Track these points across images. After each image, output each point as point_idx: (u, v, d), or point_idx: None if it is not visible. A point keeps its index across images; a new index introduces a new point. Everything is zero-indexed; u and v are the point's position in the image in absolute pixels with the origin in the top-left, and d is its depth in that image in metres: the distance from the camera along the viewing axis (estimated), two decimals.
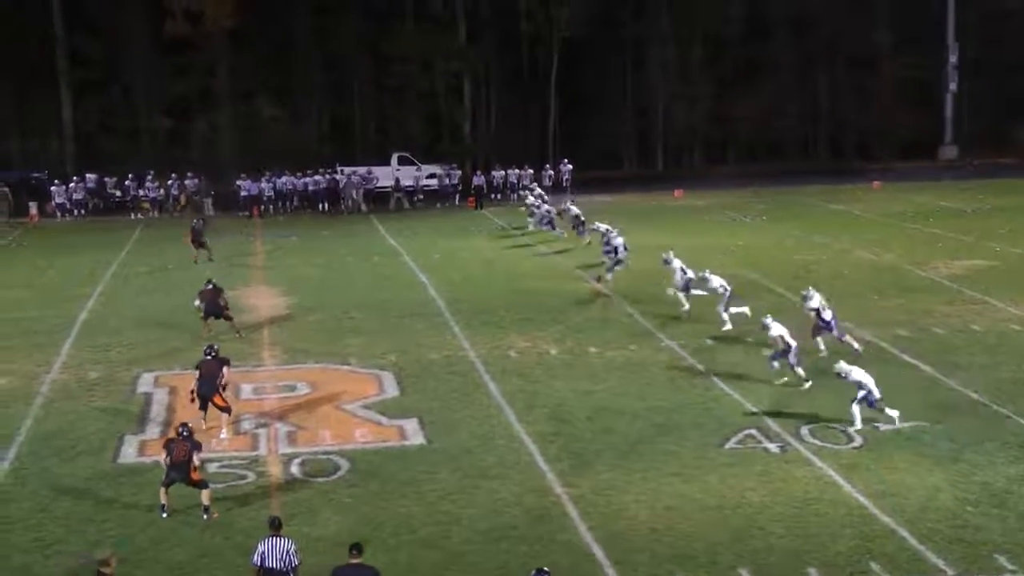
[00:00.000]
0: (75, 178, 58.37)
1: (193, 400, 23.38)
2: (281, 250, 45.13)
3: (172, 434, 20.46)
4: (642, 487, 19.90)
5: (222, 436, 22.98)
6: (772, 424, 22.84)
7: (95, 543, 17.85)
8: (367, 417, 24.13)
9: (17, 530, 18.79)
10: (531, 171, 60.86)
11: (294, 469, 21.22)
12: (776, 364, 25.49)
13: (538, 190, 52.31)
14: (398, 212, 56.44)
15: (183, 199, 57.14)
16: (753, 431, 22.49)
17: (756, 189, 60.30)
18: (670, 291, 32.00)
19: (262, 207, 56.44)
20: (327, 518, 18.98)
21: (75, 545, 18.10)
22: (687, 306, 31.50)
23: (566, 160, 62.86)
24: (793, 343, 25.36)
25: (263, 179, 57.99)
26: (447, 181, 59.90)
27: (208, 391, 23.19)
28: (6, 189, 56.68)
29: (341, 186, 58.32)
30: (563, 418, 23.60)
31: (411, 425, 23.49)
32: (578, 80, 70.34)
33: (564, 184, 60.63)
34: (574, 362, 27.72)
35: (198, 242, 41.91)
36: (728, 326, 29.98)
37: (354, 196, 57.48)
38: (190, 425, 19.84)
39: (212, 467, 21.11)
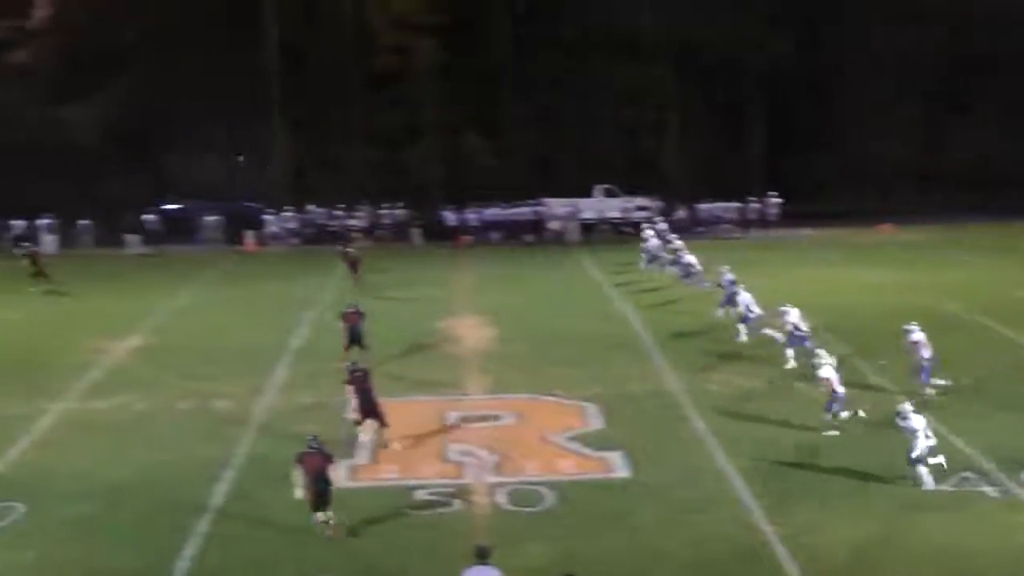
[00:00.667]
0: (288, 208, 60.19)
1: (360, 422, 24.20)
2: (486, 280, 45.64)
3: (374, 457, 20.83)
4: (852, 528, 19.52)
5: (395, 446, 24.03)
6: (990, 466, 22.16)
7: (303, 567, 18.31)
8: (572, 448, 24.21)
9: (233, 551, 19.39)
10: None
11: (500, 498, 21.41)
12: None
13: (660, 226, 51.30)
14: (599, 243, 56.56)
15: (389, 230, 58.57)
16: (969, 474, 21.86)
17: (968, 223, 58.68)
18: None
19: (467, 237, 57.34)
20: (532, 549, 19.09)
21: (286, 570, 18.59)
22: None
23: (772, 194, 62.10)
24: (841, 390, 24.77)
25: (469, 210, 59.04)
26: (647, 214, 59.89)
27: (368, 406, 24.01)
28: (222, 218, 58.74)
29: (546, 217, 58.90)
30: (769, 454, 23.31)
31: (616, 457, 23.49)
32: (784, 112, 69.51)
33: (770, 219, 59.91)
34: (780, 396, 27.37)
35: (354, 268, 42.84)
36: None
37: (559, 227, 57.92)
38: (319, 436, 20.41)
39: (420, 494, 21.48)
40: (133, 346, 34.30)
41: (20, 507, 21.36)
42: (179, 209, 60.77)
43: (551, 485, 21.96)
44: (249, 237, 57.47)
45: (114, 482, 22.52)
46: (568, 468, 23.06)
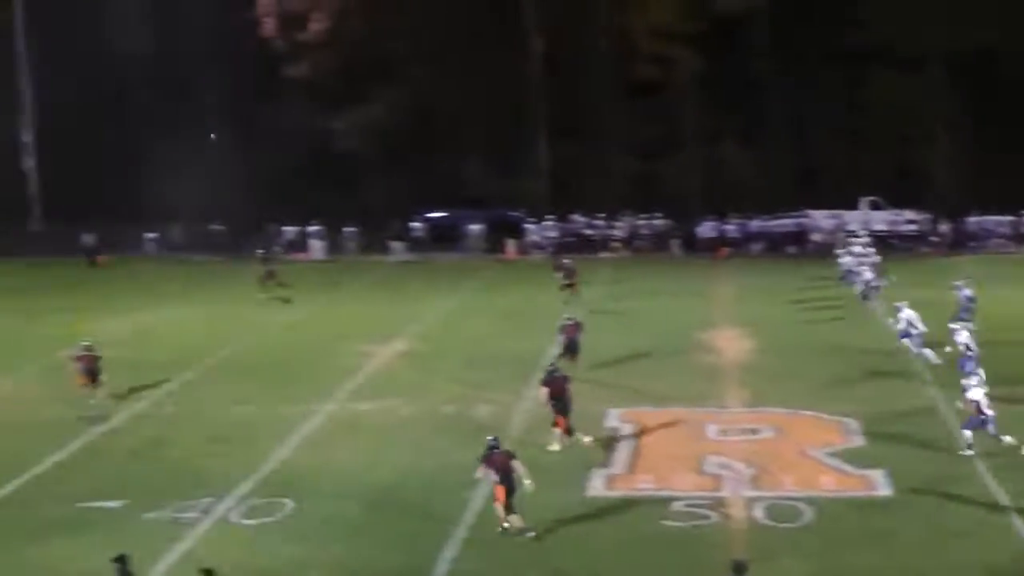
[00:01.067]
0: (549, 216, 60.85)
1: (557, 427, 24.77)
2: (746, 291, 45.15)
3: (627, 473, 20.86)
4: None
5: (586, 439, 24.88)
6: None
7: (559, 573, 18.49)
8: (832, 465, 23.76)
9: (490, 556, 19.70)
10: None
11: (757, 513, 21.17)
12: None
13: (860, 240, 49.18)
14: None
15: (648, 240, 58.61)
16: None
17: None
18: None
19: (727, 248, 56.89)
20: (788, 565, 18.83)
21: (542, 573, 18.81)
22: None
23: None
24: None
25: (729, 221, 58.59)
26: (913, 227, 58.23)
27: (563, 410, 24.58)
28: (484, 226, 59.77)
29: (809, 229, 57.99)
30: None
31: (878, 476, 22.93)
32: None
33: None
34: None
35: (570, 279, 42.58)
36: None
37: (822, 239, 56.88)
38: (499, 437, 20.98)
39: (676, 505, 21.42)
40: (398, 351, 35.23)
41: (289, 503, 22.21)
42: (443, 217, 62.10)
43: (810, 501, 21.60)
44: (510, 246, 58.31)
45: (378, 483, 23.15)
46: (828, 484, 22.63)
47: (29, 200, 68.85)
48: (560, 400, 24.88)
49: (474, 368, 32.49)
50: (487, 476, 20.57)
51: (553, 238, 59.57)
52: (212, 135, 70.03)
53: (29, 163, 68.67)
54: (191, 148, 67.41)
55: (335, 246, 59.07)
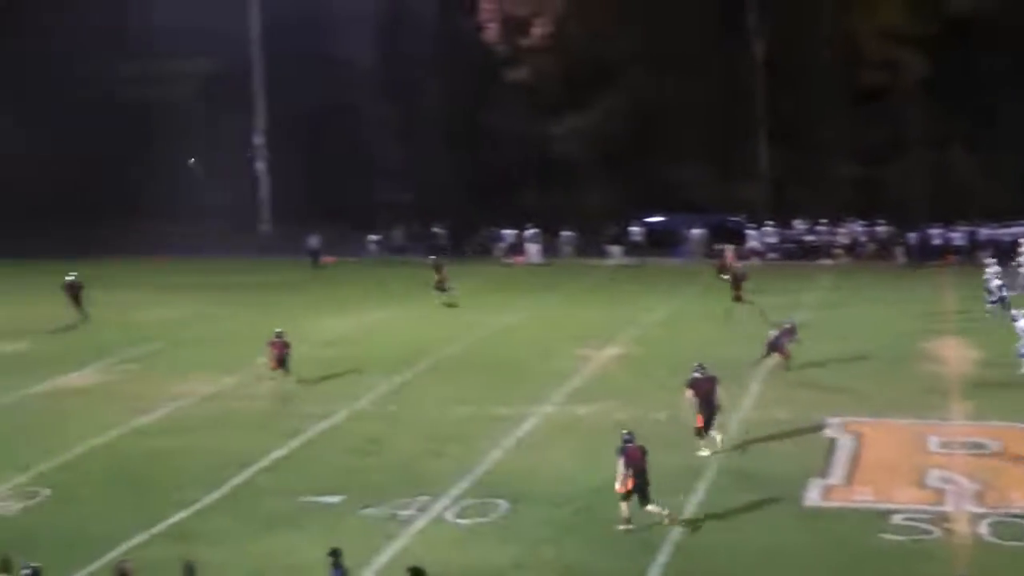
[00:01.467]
0: (769, 222, 60.00)
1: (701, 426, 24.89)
2: (969, 301, 43.62)
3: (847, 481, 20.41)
4: None
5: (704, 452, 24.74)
6: None
7: None
8: None
9: (702, 562, 19.48)
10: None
11: (982, 529, 20.42)
12: None
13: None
14: None
15: (871, 247, 57.22)
16: None
17: None
18: None
19: (954, 256, 55.12)
20: None
21: None
22: None
23: None
24: None
25: (956, 228, 56.76)
26: None
27: (708, 412, 24.71)
28: (704, 232, 59.25)
29: None
30: None
31: None
32: None
33: None
34: None
35: (737, 283, 41.69)
36: None
37: None
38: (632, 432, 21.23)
39: (896, 519, 20.84)
40: (614, 354, 35.16)
41: (503, 504, 22.35)
42: (662, 222, 61.81)
43: None
44: (728, 251, 57.60)
45: (591, 486, 23.11)
46: None
47: (259, 203, 71.14)
48: (706, 403, 24.90)
49: (688, 372, 32.06)
50: (621, 468, 20.76)
51: (773, 244, 58.68)
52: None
53: (260, 167, 70.93)
54: (413, 152, 68.76)
55: (552, 249, 59.34)
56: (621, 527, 20.72)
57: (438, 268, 45.59)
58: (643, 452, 20.90)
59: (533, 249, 58.97)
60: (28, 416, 29.93)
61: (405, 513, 22.01)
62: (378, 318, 42.48)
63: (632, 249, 58.81)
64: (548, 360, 34.55)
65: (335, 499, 22.88)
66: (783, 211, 61.56)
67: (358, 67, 69.77)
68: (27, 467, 25.24)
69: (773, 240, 58.95)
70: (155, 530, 21.46)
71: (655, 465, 23.95)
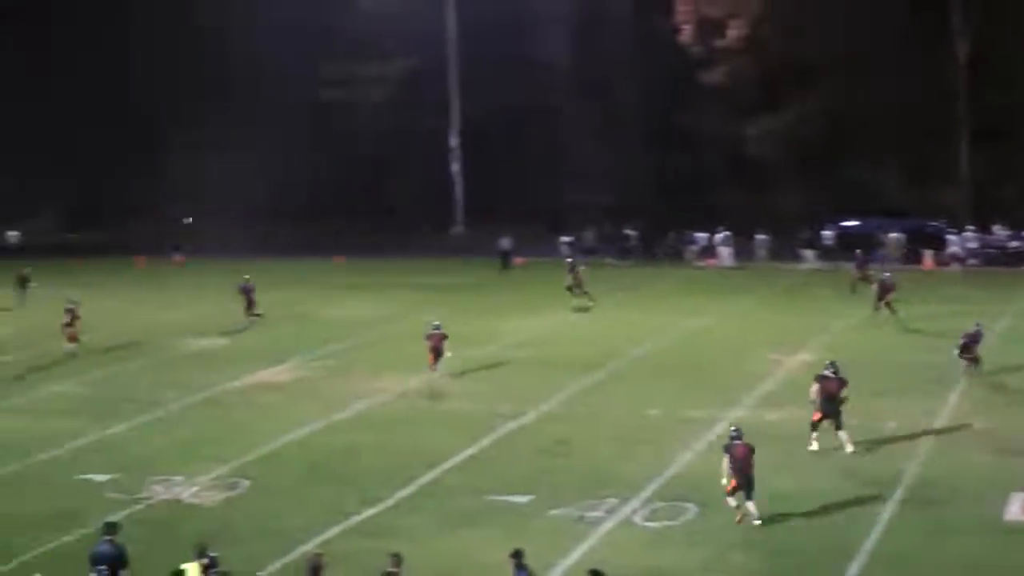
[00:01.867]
0: (969, 228, 58.25)
1: (816, 425, 25.29)
2: None
3: None
4: None
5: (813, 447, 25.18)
6: None
7: None
8: None
9: (899, 570, 18.98)
10: None
11: None
12: None
13: None
14: None
15: None
16: None
17: None
18: None
19: None
20: None
21: None
22: None
23: None
24: None
25: None
26: None
27: (831, 409, 25.02)
28: (902, 236, 57.82)
29: None
30: None
31: None
32: None
33: None
34: None
35: (883, 293, 40.19)
36: None
37: None
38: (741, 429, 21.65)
39: None
40: (804, 360, 34.56)
41: (692, 508, 22.17)
42: (857, 225, 60.52)
43: None
44: (927, 256, 56.18)
45: (781, 492, 22.76)
46: None
47: (454, 203, 71.99)
48: (831, 401, 25.14)
49: (880, 380, 31.41)
50: (727, 464, 21.23)
51: (973, 250, 56.93)
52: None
53: (455, 167, 71.76)
54: (607, 154, 68.74)
55: (744, 252, 58.63)
56: (737, 520, 21.07)
57: (573, 270, 45.40)
58: (750, 450, 21.19)
59: (725, 252, 58.36)
60: (228, 410, 30.81)
61: (593, 515, 22.02)
62: (569, 319, 42.56)
63: (825, 253, 57.70)
64: (739, 364, 34.18)
65: (523, 499, 22.99)
66: (984, 215, 59.68)
67: (554, 67, 70.09)
68: (227, 459, 25.97)
69: (974, 246, 57.15)
70: (347, 524, 21.88)
71: (847, 472, 23.56)
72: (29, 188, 71.05)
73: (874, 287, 41.74)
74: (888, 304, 40.18)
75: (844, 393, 25.26)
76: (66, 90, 70.73)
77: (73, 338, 37.33)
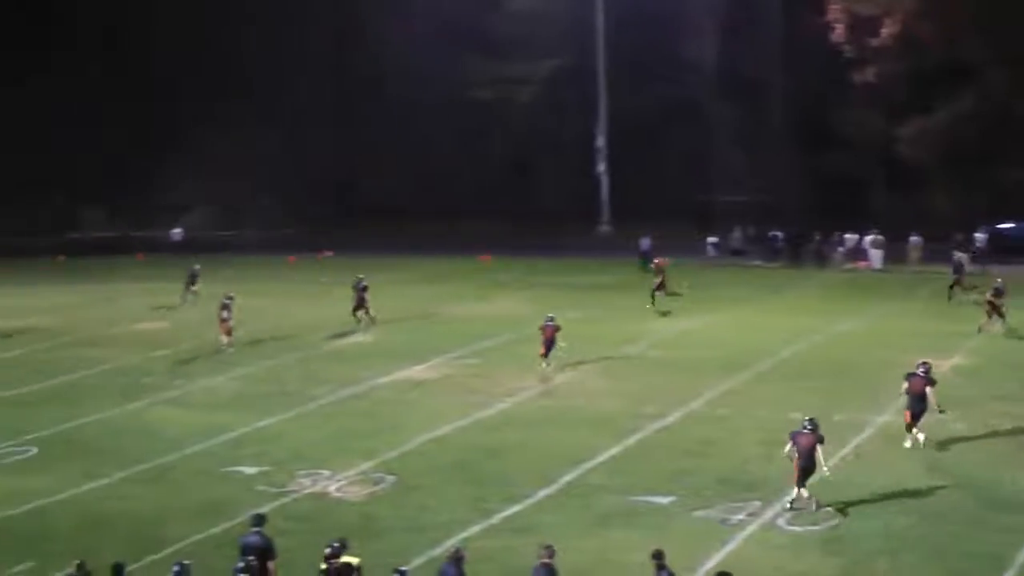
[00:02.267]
0: None
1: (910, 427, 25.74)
2: None
3: None
4: None
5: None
6: None
7: None
8: None
9: None
10: None
11: None
12: None
13: None
14: None
15: None
16: None
17: None
18: None
19: None
20: None
21: None
22: None
23: None
24: None
25: None
26: None
27: (917, 409, 25.54)
28: None
29: None
30: None
31: None
32: None
33: None
34: None
35: (994, 306, 38.55)
36: None
37: None
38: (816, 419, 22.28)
39: None
40: (954, 364, 33.83)
41: (835, 513, 21.87)
42: (1012, 228, 58.95)
43: None
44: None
45: (927, 498, 22.44)
46: None
47: (600, 202, 71.90)
48: (916, 399, 25.62)
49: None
50: (792, 452, 22.13)
51: None
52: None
53: (601, 167, 71.69)
54: (755, 154, 68.08)
55: (895, 254, 57.43)
56: (789, 506, 22.07)
57: (659, 271, 44.85)
58: (817, 440, 21.96)
59: (875, 254, 57.22)
60: (375, 406, 31.23)
61: (735, 518, 21.89)
62: (713, 320, 42.23)
63: (977, 256, 56.22)
64: (886, 369, 33.48)
65: (666, 500, 22.96)
66: None
67: (701, 66, 69.69)
68: (373, 454, 26.34)
69: None
70: (489, 522, 22.04)
71: (995, 478, 23.11)
72: (182, 186, 72.83)
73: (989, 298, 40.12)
74: (996, 309, 38.85)
75: (930, 392, 25.65)
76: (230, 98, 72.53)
77: (228, 332, 38.19)
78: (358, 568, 16.75)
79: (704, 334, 39.94)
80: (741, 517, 21.90)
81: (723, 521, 21.76)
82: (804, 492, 22.02)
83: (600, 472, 24.98)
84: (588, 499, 23.21)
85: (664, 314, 43.08)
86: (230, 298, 38.83)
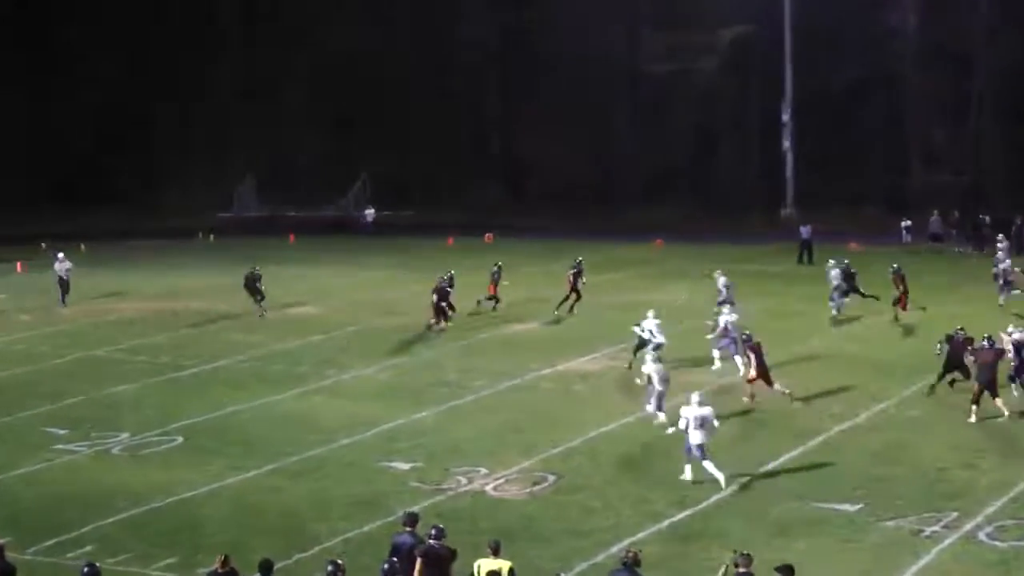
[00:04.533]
0: None
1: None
2: None
3: None
4: None
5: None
6: None
7: None
8: None
9: None
10: None
11: None
12: None
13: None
14: None
15: None
16: None
17: None
18: None
19: None
20: None
21: None
22: None
23: None
24: None
25: None
26: None
27: (983, 378, 27.00)
28: None
29: None
30: None
31: None
32: None
33: None
34: None
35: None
36: None
37: None
38: None
39: None
40: None
41: None
42: None
43: None
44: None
45: None
46: None
47: (784, 183, 70.79)
48: (985, 370, 27.29)
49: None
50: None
51: None
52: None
53: (786, 144, 70.59)
54: (959, 131, 66.54)
55: None
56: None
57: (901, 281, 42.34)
58: (998, 355, 25.84)
59: None
60: (537, 399, 31.26)
61: (931, 529, 21.36)
62: (908, 314, 41.12)
63: None
64: None
65: (852, 508, 22.55)
66: None
67: (900, 35, 68.25)
68: (534, 451, 26.31)
69: None
70: (658, 527, 21.85)
71: None
72: (341, 167, 74.00)
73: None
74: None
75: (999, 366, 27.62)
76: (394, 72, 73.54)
77: (446, 311, 39.03)
78: (510, 573, 16.65)
79: (897, 328, 39.02)
80: (937, 528, 21.39)
81: (917, 532, 21.26)
82: (998, 402, 26.19)
83: (781, 476, 24.60)
84: (766, 505, 22.86)
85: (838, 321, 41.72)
86: (449, 274, 40.24)
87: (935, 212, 60.28)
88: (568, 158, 72.55)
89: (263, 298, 42.16)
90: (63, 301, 44.08)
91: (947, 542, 20.81)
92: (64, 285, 44.19)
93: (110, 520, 22.68)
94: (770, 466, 25.09)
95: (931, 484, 23.77)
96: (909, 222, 59.79)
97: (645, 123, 72.24)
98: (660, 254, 57.73)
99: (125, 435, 28.31)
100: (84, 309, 43.97)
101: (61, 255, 44.61)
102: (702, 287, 45.56)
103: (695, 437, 23.78)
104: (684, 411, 24.25)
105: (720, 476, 23.45)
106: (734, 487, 23.76)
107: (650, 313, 32.98)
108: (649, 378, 28.43)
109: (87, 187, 72.52)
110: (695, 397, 24.28)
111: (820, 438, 27.01)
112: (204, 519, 22.86)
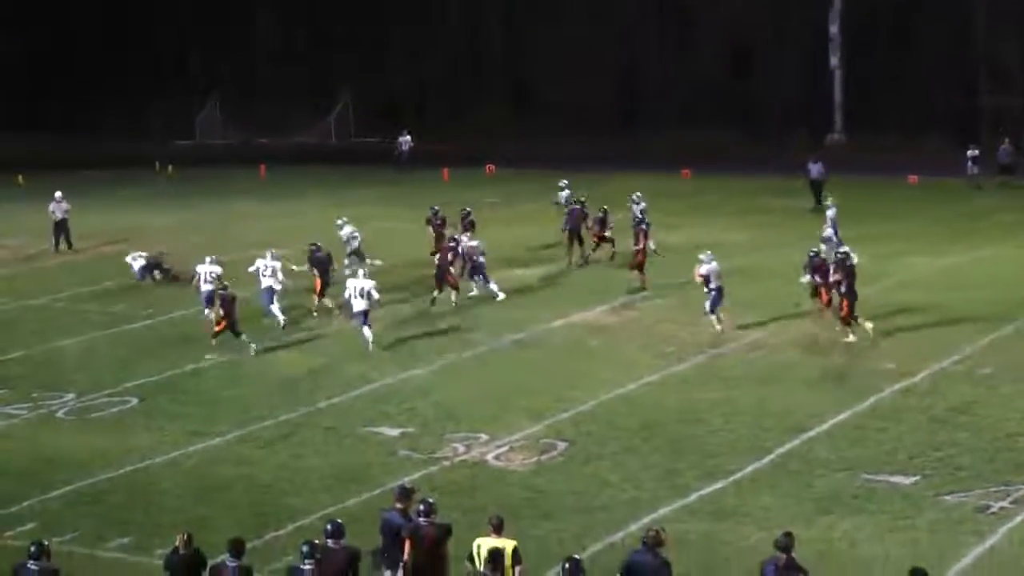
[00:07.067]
0: None
1: None
2: None
3: None
4: None
5: None
6: None
7: None
8: None
9: None
10: None
11: None
12: None
13: None
14: None
15: None
16: None
17: None
18: None
19: None
20: None
21: None
22: None
23: None
24: None
25: None
26: None
27: None
28: None
29: None
30: None
31: None
32: None
33: None
34: None
35: None
36: None
37: None
38: None
39: None
40: None
41: None
42: None
43: None
44: None
45: None
46: None
47: (832, 105, 70.53)
48: None
49: None
50: None
51: None
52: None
53: (834, 61, 70.26)
54: None
55: None
56: None
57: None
58: None
59: None
60: (544, 355, 31.25)
61: (998, 505, 21.41)
62: (975, 257, 41.21)
63: None
64: None
65: (908, 480, 22.59)
66: None
67: None
68: (541, 415, 26.34)
69: None
70: (684, 502, 21.90)
71: None
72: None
73: None
74: None
75: None
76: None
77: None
78: (514, 553, 16.64)
79: (964, 273, 39.02)
80: (1005, 504, 21.43)
81: (982, 509, 21.30)
82: None
83: (825, 443, 24.63)
84: (808, 477, 22.93)
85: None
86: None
87: (1005, 140, 60.06)
88: (585, 77, 72.52)
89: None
90: (57, 247, 44.06)
91: (1017, 520, 20.85)
92: (61, 228, 44.03)
93: (53, 494, 22.79)
94: (813, 432, 25.12)
95: (999, 453, 23.79)
96: (976, 151, 59.55)
97: (671, 38, 72.02)
98: (688, 186, 57.60)
99: (71, 396, 28.40)
100: (21, 252, 43.98)
101: (59, 194, 44.41)
102: (735, 225, 45.63)
103: (358, 305, 30.64)
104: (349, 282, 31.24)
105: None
106: (772, 456, 23.80)
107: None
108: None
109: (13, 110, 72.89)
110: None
111: (871, 399, 27.02)
112: (162, 492, 22.94)
